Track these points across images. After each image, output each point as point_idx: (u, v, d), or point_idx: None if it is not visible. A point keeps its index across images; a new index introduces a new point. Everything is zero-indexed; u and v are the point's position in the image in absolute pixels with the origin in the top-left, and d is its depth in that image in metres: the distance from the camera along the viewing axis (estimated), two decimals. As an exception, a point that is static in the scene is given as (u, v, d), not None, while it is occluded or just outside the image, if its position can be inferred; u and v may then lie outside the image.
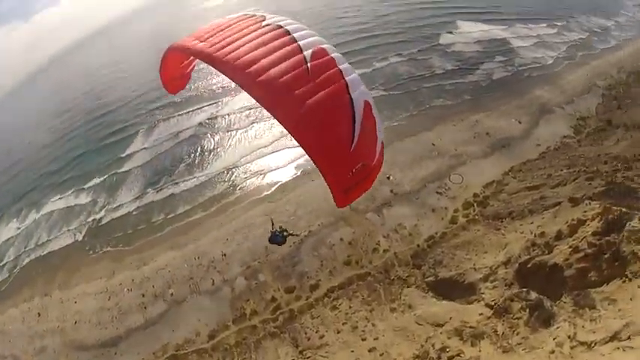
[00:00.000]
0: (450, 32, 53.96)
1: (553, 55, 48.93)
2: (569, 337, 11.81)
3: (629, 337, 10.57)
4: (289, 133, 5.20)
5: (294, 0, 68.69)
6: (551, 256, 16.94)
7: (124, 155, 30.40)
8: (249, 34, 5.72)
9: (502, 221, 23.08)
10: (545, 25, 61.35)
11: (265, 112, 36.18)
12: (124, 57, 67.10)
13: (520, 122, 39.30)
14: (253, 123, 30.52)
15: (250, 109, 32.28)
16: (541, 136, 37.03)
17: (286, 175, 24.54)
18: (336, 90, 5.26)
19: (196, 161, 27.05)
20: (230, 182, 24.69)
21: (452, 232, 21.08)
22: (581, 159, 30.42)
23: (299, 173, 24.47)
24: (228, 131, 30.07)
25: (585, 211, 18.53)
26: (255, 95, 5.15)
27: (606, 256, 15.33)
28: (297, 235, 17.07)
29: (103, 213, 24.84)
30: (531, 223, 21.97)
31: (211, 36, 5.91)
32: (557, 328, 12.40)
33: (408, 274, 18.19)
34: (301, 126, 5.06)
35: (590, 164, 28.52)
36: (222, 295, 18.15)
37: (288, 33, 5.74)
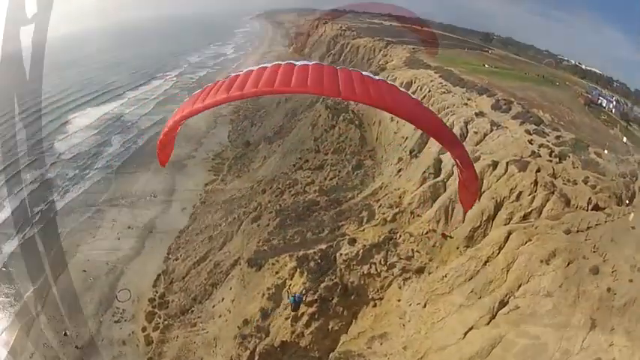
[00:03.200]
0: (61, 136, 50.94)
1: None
2: None
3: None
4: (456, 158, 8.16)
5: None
6: (273, 337, 14.51)
7: None
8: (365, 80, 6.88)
9: (192, 312, 20.16)
10: (153, 85, 65.98)
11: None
12: None
13: (155, 196, 35.15)
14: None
15: None
16: (182, 197, 33.81)
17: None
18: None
19: None
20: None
21: (156, 354, 18.87)
22: (235, 201, 28.32)
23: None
24: None
25: (277, 272, 16.63)
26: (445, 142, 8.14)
27: (335, 300, 13.70)
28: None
29: None
30: (222, 299, 19.19)
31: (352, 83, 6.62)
32: None
33: None
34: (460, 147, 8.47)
35: (246, 202, 26.65)
36: None
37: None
